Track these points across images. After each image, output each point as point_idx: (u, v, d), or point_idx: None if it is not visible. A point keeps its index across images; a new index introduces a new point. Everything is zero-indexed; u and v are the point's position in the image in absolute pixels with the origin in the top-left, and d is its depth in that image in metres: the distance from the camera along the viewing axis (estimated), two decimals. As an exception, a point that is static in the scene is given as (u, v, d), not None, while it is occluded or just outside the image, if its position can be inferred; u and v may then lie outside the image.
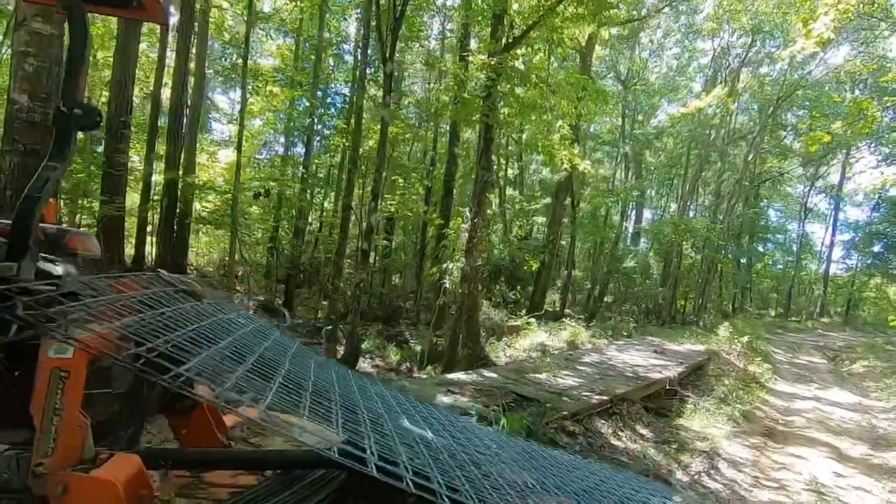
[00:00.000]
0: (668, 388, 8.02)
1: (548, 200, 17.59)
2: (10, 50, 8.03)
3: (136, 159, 10.75)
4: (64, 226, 2.31)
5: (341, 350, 7.33)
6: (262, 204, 10.43)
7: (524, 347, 10.97)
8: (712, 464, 5.96)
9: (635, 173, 21.89)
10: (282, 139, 17.33)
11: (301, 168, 11.98)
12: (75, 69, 2.26)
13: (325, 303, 10.92)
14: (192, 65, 9.61)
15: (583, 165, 9.10)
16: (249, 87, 10.73)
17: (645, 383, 7.71)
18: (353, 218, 9.28)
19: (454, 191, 11.46)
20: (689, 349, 11.72)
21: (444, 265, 8.21)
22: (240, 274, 10.70)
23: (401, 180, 9.00)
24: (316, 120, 12.01)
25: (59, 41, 5.49)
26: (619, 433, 6.17)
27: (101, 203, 8.73)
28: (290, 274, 10.96)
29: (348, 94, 12.07)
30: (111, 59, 10.38)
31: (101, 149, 10.99)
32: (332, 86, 14.38)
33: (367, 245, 6.95)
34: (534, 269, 9.97)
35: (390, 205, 8.90)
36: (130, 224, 11.49)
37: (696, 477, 5.60)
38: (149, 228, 10.49)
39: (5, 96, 8.52)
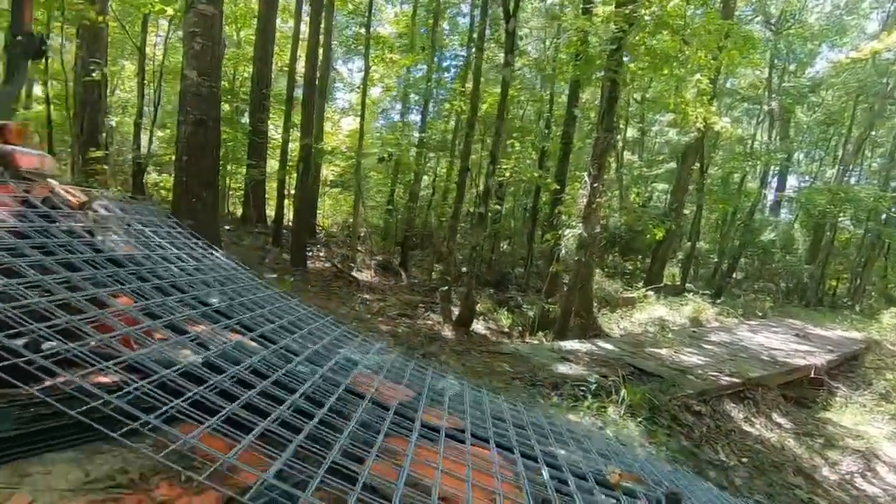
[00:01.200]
0: (812, 376, 7.14)
1: (672, 165, 16.10)
2: (179, 32, 9.21)
3: (271, 129, 11.85)
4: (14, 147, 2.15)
5: (456, 311, 7.57)
6: (383, 169, 10.94)
7: (640, 321, 10.43)
8: (868, 465, 5.25)
9: (781, 134, 19.04)
10: (398, 106, 17.89)
11: (417, 133, 12.31)
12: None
13: (437, 265, 11.31)
14: (321, 37, 10.19)
15: (720, 125, 8.12)
16: (372, 54, 11.13)
17: (785, 369, 6.95)
18: (467, 182, 9.38)
19: (570, 155, 10.97)
20: (840, 336, 10.27)
21: (560, 232, 7.98)
22: (362, 235, 11.44)
23: (516, 144, 8.82)
24: (433, 84, 12.14)
25: (220, 21, 6.14)
26: (753, 419, 5.67)
27: (248, 167, 9.80)
28: (406, 236, 11.47)
29: (464, 56, 11.99)
30: (253, 38, 11.41)
31: (244, 119, 12.29)
32: (449, 50, 14.39)
33: (484, 208, 6.98)
34: (658, 237, 9.30)
35: (504, 169, 8.81)
36: (269, 187, 12.81)
37: (848, 477, 4.98)
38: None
39: (173, 75, 9.77)
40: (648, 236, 10.69)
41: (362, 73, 11.59)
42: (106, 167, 6.48)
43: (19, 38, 2.30)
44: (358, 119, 13.21)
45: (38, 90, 10.39)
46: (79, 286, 1.43)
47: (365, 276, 9.56)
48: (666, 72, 8.08)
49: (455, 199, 7.87)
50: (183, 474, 0.97)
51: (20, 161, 2.02)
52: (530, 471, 1.38)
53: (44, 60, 9.41)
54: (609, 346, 6.95)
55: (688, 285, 14.20)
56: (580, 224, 7.58)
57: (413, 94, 14.95)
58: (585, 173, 8.34)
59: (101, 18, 6.17)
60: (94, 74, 6.44)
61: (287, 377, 1.43)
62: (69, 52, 8.28)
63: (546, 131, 11.34)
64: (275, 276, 7.40)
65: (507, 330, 8.33)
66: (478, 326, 7.86)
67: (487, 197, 7.07)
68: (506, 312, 9.04)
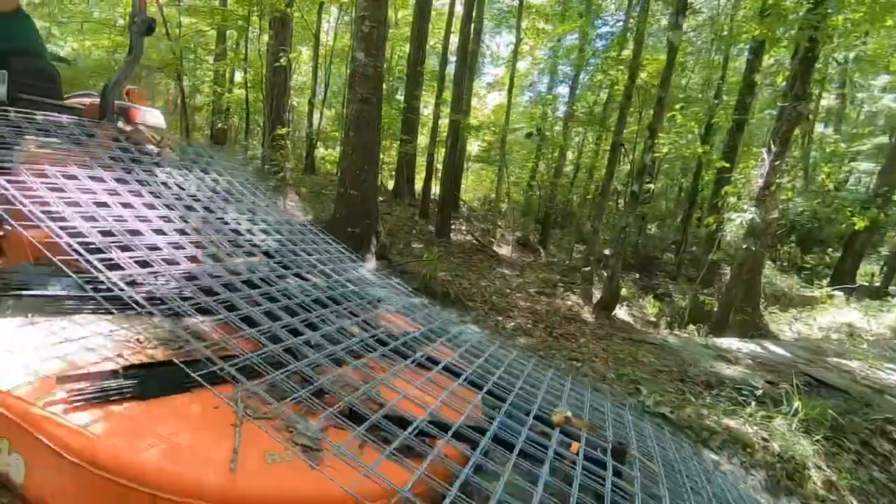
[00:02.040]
0: None
1: (882, 139, 13.07)
2: (347, 18, 10.08)
3: (422, 105, 12.39)
4: (132, 104, 3.05)
5: (597, 294, 7.27)
6: (528, 144, 10.80)
7: (821, 325, 8.88)
8: None
9: None
10: (546, 80, 17.34)
11: (565, 107, 11.85)
12: None
13: (578, 245, 10.92)
14: (473, 12, 10.27)
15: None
16: (524, 25, 10.89)
17: None
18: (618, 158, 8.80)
19: (744, 128, 9.58)
20: None
21: (725, 215, 7.09)
22: (503, 210, 11.53)
23: (678, 117, 7.96)
24: (588, 53, 11.49)
25: (386, 3, 6.53)
26: (983, 461, 4.52)
27: (401, 142, 10.44)
28: (547, 213, 11.26)
29: (623, 21, 11.08)
30: (409, 18, 11.96)
31: (399, 96, 13.06)
32: (605, 15, 13.40)
33: (638, 186, 6.49)
34: (859, 227, 7.72)
35: (661, 144, 8.05)
36: (418, 162, 13.53)
37: None
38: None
39: (340, 58, 10.68)
40: (844, 226, 8.92)
41: (510, 47, 11.45)
42: (288, 142, 7.46)
43: (137, 19, 2.89)
44: (504, 93, 13.14)
45: (238, 77, 12.29)
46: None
47: (504, 251, 9.66)
48: (889, 23, 6.52)
49: (604, 175, 7.44)
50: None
51: (135, 115, 2.96)
52: (487, 405, 1.65)
53: (244, 51, 11.07)
54: (778, 350, 6.06)
55: (892, 288, 11.62)
56: (752, 207, 6.63)
57: (562, 66, 14.34)
58: (764, 149, 7.23)
59: (288, 10, 7.03)
60: (281, 60, 7.38)
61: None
62: (263, 42, 9.66)
63: (716, 101, 10.02)
64: (421, 245, 7.87)
65: (653, 319, 7.76)
66: (620, 312, 7.46)
67: (643, 174, 6.55)
68: (652, 300, 8.41)
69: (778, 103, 7.58)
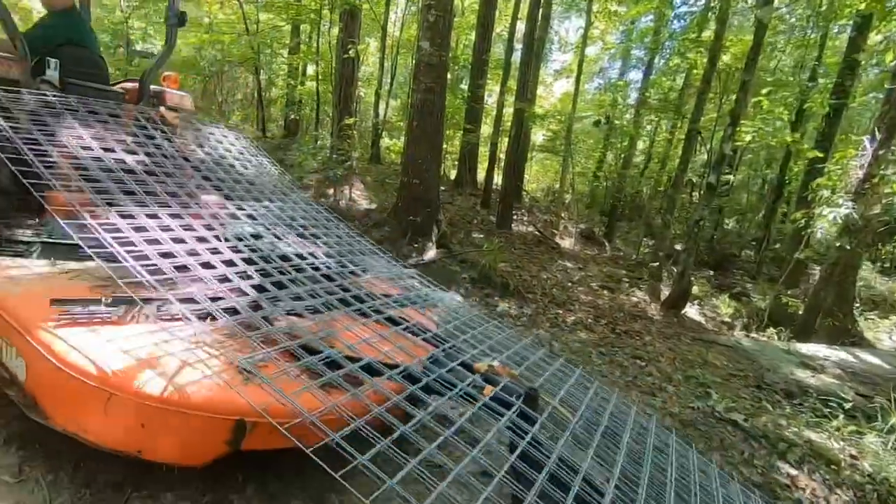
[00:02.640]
0: None
1: None
2: (414, 8, 10.16)
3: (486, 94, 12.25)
4: (164, 88, 3.56)
5: (665, 291, 6.91)
6: (595, 133, 10.40)
7: (929, 335, 7.91)
8: None
9: None
10: (617, 65, 16.58)
11: (636, 94, 11.26)
12: None
13: (646, 239, 10.41)
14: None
15: None
16: (595, 8, 10.45)
17: None
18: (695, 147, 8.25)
19: (843, 114, 8.64)
20: None
21: (816, 210, 6.45)
22: (566, 201, 11.22)
23: (765, 102, 7.30)
24: (664, 36, 10.82)
25: (453, -9, 6.49)
26: None
27: (464, 132, 10.41)
28: (613, 205, 10.82)
29: (703, 1, 10.30)
30: (476, 6, 11.82)
31: (463, 85, 13.00)
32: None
33: (715, 178, 6.06)
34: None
35: (744, 132, 7.44)
36: (481, 152, 13.44)
37: None
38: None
39: (406, 48, 10.77)
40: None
41: (580, 32, 11.02)
42: (355, 132, 7.67)
43: (171, 13, 3.40)
44: (571, 81, 12.71)
45: (311, 70, 12.79)
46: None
47: (566, 243, 9.42)
48: None
49: (677, 166, 7.01)
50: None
51: (167, 98, 3.49)
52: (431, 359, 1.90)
53: (315, 44, 11.48)
54: (874, 360, 5.47)
55: None
56: (849, 202, 5.99)
57: (635, 50, 13.62)
58: (866, 137, 6.49)
59: (357, 2, 7.18)
60: (349, 52, 7.58)
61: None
62: (333, 34, 9.96)
63: (810, 85, 9.10)
64: (482, 235, 7.84)
65: (727, 320, 7.27)
66: (690, 311, 7.05)
67: (721, 165, 6.10)
68: (727, 299, 7.86)
69: (886, 85, 6.76)
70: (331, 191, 7.32)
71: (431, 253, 6.22)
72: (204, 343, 1.66)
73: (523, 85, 8.61)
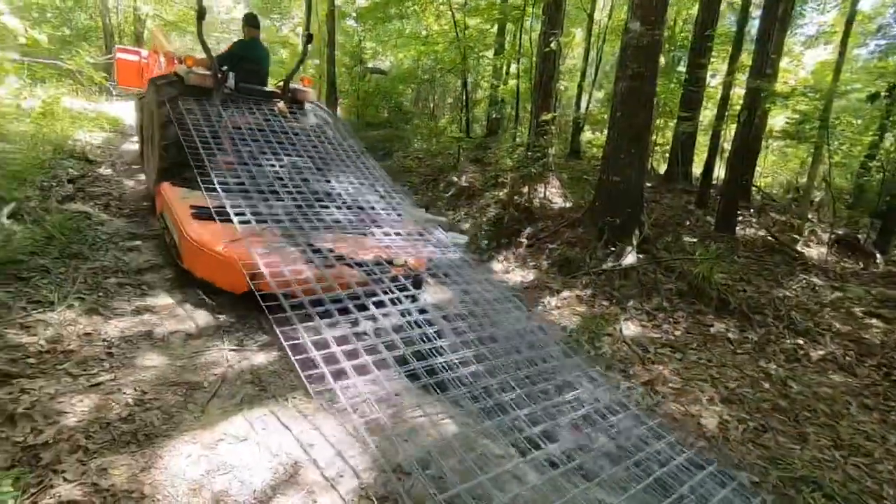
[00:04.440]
0: None
1: None
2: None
3: (709, 75, 10.50)
4: (297, 86, 5.40)
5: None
6: (878, 109, 7.95)
7: None
8: None
9: None
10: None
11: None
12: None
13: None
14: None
15: None
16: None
17: None
18: None
19: None
20: None
21: None
22: (817, 199, 8.92)
23: None
24: None
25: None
26: None
27: (679, 120, 9.14)
28: (891, 204, 8.15)
29: None
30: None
31: (680, 67, 11.45)
32: None
33: None
34: None
35: None
36: (698, 143, 11.66)
37: None
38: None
39: (615, 35, 9.96)
40: None
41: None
42: (553, 128, 7.40)
43: (305, 32, 5.23)
44: (831, 48, 10.04)
45: (514, 68, 12.92)
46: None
47: (814, 253, 7.47)
48: None
49: None
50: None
51: (298, 94, 5.32)
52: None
53: (518, 42, 11.53)
54: None
55: None
56: None
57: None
58: None
59: (561, -9, 6.87)
60: (551, 45, 7.31)
61: None
62: (536, 29, 9.83)
63: None
64: (695, 240, 6.76)
65: None
66: None
67: None
68: None
69: None
70: (525, 189, 7.21)
71: (630, 258, 5.59)
72: (255, 233, 3.48)
73: (761, 58, 7.08)
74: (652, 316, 4.84)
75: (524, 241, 6.04)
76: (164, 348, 3.06)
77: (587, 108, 12.08)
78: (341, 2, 15.05)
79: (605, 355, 4.23)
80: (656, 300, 4.99)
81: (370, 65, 15.82)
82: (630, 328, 4.63)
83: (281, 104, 5.10)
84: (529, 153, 7.25)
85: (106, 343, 2.97)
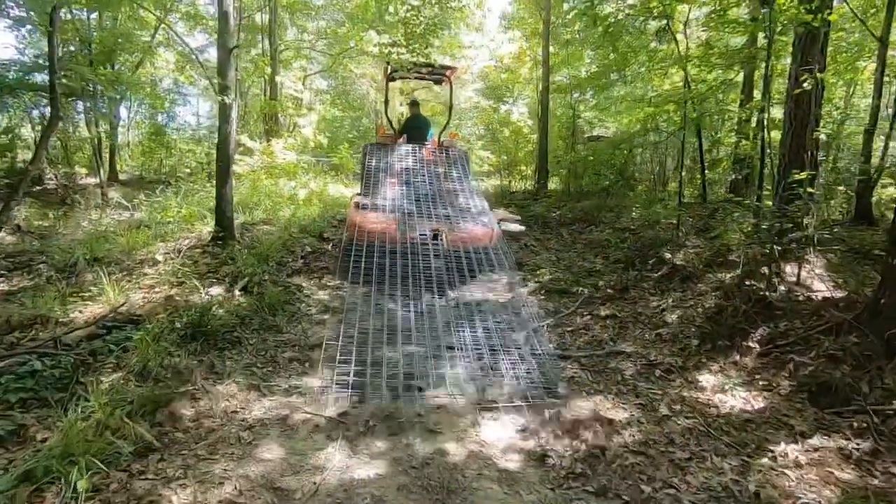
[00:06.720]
0: None
1: None
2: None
3: None
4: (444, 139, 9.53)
5: None
6: None
7: None
8: None
9: None
10: None
11: None
12: None
13: None
14: None
15: None
16: None
17: None
18: None
19: None
20: None
21: None
22: None
23: None
24: None
25: None
26: None
27: None
28: None
29: None
30: None
31: None
32: None
33: None
34: None
35: None
36: None
37: None
38: None
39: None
40: None
41: None
42: (812, 190, 5.47)
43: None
44: None
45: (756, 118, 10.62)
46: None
47: None
48: None
49: None
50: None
51: (444, 143, 9.29)
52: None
53: (763, 87, 9.44)
54: None
55: None
56: None
57: None
58: None
59: (816, 20, 5.21)
60: (804, 85, 5.58)
61: None
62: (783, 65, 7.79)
63: None
64: None
65: None
66: None
67: None
68: None
69: None
70: (764, 271, 5.41)
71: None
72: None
73: None
74: None
75: (755, 346, 4.38)
76: (288, 438, 3.04)
77: (883, 157, 8.88)
78: (560, 77, 15.29)
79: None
80: None
81: (590, 133, 15.41)
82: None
83: (425, 151, 8.60)
84: (775, 224, 5.44)
85: (243, 425, 3.12)
